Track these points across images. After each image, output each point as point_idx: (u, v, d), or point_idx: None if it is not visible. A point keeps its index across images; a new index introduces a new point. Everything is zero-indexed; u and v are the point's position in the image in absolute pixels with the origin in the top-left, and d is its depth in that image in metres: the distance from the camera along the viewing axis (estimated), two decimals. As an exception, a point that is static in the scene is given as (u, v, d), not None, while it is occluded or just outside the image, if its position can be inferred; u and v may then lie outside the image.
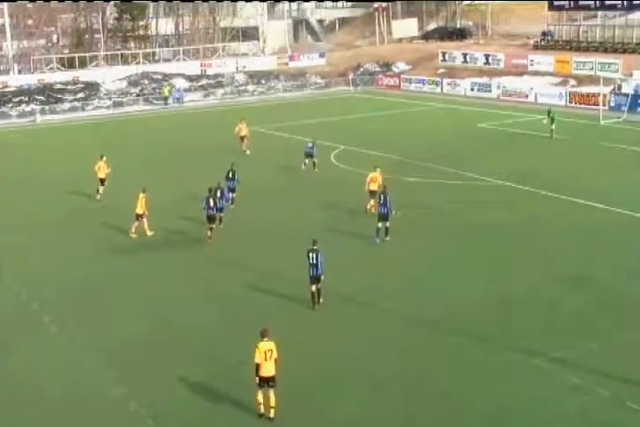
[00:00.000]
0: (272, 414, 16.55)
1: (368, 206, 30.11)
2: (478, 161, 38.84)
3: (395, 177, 36.37)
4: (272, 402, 16.49)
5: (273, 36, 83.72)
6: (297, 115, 54.95)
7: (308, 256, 21.81)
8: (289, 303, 22.61)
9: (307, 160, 37.96)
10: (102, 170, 33.69)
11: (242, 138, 42.43)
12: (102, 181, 33.77)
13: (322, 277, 21.82)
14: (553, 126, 43.36)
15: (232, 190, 31.27)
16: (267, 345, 16.45)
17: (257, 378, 16.48)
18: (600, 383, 17.63)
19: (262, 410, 16.71)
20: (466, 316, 21.48)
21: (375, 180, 30.48)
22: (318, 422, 16.76)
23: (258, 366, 16.41)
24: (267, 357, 16.38)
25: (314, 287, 21.95)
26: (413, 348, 19.86)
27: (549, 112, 43.98)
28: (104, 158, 34.01)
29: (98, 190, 33.76)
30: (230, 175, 31.47)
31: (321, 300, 22.22)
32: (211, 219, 27.69)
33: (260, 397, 16.65)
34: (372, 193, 30.03)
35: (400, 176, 36.57)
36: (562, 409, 16.80)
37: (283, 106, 61.54)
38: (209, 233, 27.85)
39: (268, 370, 16.42)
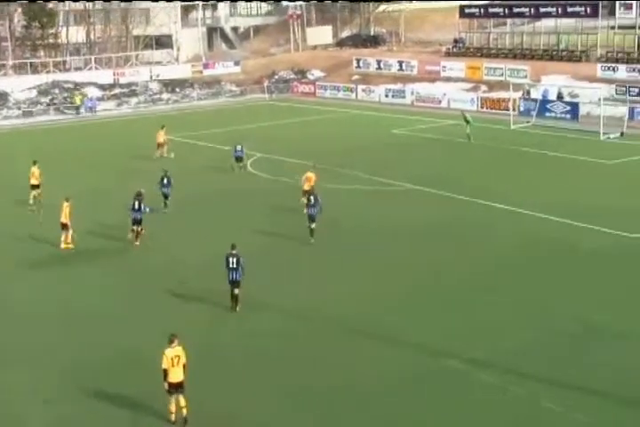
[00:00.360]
0: (185, 413, 16.58)
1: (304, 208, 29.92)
2: (393, 167, 39.18)
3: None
4: (182, 403, 16.57)
5: (187, 44, 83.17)
6: (213, 123, 54.61)
7: (228, 261, 22.03)
8: (211, 308, 22.61)
9: (236, 164, 38.53)
10: (35, 176, 33.51)
11: (159, 145, 42.52)
12: (35, 187, 33.56)
13: (241, 282, 21.99)
14: (468, 130, 44.11)
15: (166, 196, 31.97)
16: (174, 351, 16.52)
17: (166, 384, 16.47)
18: (515, 383, 17.90)
19: (174, 419, 16.64)
20: (380, 317, 21.62)
21: (310, 179, 31.56)
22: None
23: (165, 372, 16.42)
24: (174, 363, 16.43)
25: (235, 291, 22.13)
26: (325, 353, 19.90)
27: (464, 116, 44.76)
28: (37, 165, 33.77)
29: (32, 197, 33.46)
30: (165, 181, 31.98)
31: (238, 307, 22.27)
32: (135, 222, 27.99)
33: (172, 406, 16.61)
34: (306, 192, 30.53)
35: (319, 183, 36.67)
36: (476, 409, 16.99)
37: (198, 114, 61.10)
38: (130, 235, 28.08)
39: (177, 376, 16.47)
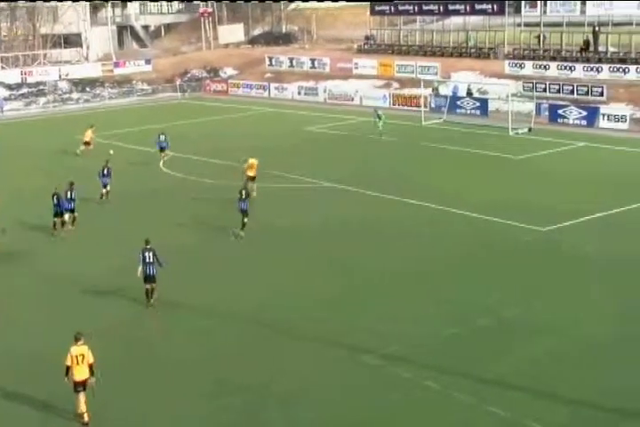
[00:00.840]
0: (86, 419, 16.64)
1: (253, 193, 32.23)
2: (306, 164, 39.32)
3: (224, 182, 36.38)
4: (82, 408, 16.68)
5: (97, 43, 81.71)
6: (125, 122, 53.87)
7: (143, 255, 22.25)
8: (129, 304, 22.73)
9: (161, 154, 39.81)
10: None
11: (86, 143, 42.74)
12: None
13: (156, 276, 22.29)
14: (380, 127, 44.52)
15: (105, 186, 33.02)
16: (79, 350, 16.64)
17: (69, 381, 16.69)
18: (430, 377, 18.14)
19: (86, 419, 16.75)
20: (299, 314, 21.70)
21: (253, 166, 33.59)
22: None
23: (68, 369, 16.59)
24: (78, 361, 16.57)
25: (148, 286, 22.37)
26: (242, 350, 19.89)
27: (377, 113, 45.17)
28: None
29: None
30: (105, 172, 32.91)
31: (152, 300, 22.54)
32: (56, 214, 29.17)
33: (82, 406, 16.75)
34: (252, 179, 33.24)
35: (229, 182, 36.53)
36: (392, 404, 17.17)
37: (109, 113, 60.18)
38: (54, 227, 29.20)
39: (80, 374, 16.58)
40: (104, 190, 33.41)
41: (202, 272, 25.39)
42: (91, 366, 16.62)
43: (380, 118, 44.89)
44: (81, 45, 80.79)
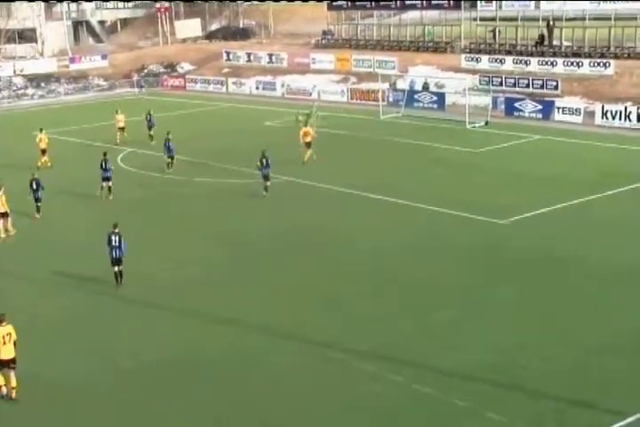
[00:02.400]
0: (14, 395, 17.36)
1: (305, 158, 37.25)
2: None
3: (184, 178, 36.36)
4: (13, 383, 17.45)
5: (52, 38, 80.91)
6: (82, 118, 53.41)
7: (110, 239, 23.26)
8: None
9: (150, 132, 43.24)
10: None
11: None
12: None
13: (123, 259, 23.33)
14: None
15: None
16: (5, 329, 17.34)
17: None
18: (394, 371, 18.32)
19: (5, 392, 17.46)
20: (262, 311, 21.77)
21: (308, 133, 37.74)
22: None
23: None
24: (5, 340, 17.16)
25: (116, 268, 23.44)
26: (193, 340, 19.96)
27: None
28: None
29: None
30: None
31: (123, 280, 23.57)
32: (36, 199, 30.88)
33: (0, 379, 17.41)
34: (307, 145, 37.40)
35: (189, 177, 36.55)
36: (357, 398, 17.33)
37: (66, 109, 59.65)
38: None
39: (7, 353, 17.20)
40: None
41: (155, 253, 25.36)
42: (15, 344, 17.38)
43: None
44: (36, 41, 79.93)
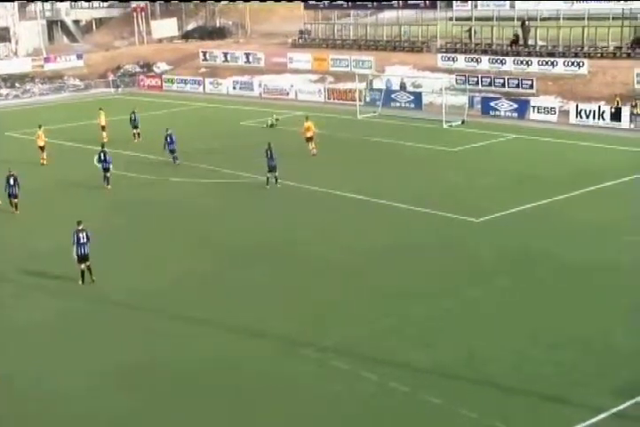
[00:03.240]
0: None
1: (311, 152, 38.76)
2: (240, 158, 39.32)
3: (160, 178, 36.33)
4: None
5: (26, 38, 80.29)
6: (57, 119, 53.04)
7: (78, 236, 23.54)
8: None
9: (134, 131, 44.30)
10: None
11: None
12: None
13: (89, 255, 23.65)
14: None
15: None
16: None
17: None
18: (367, 368, 18.42)
19: None
20: (235, 308, 21.77)
21: (309, 128, 38.75)
22: None
23: None
24: None
25: (83, 265, 23.71)
26: (166, 342, 19.99)
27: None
28: None
29: None
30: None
31: (93, 276, 23.87)
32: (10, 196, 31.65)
33: None
34: (309, 139, 38.73)
35: (166, 177, 36.52)
36: (333, 395, 17.41)
37: (41, 110, 59.29)
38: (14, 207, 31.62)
39: None
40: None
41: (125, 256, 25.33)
42: None
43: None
44: (9, 40, 79.36)
